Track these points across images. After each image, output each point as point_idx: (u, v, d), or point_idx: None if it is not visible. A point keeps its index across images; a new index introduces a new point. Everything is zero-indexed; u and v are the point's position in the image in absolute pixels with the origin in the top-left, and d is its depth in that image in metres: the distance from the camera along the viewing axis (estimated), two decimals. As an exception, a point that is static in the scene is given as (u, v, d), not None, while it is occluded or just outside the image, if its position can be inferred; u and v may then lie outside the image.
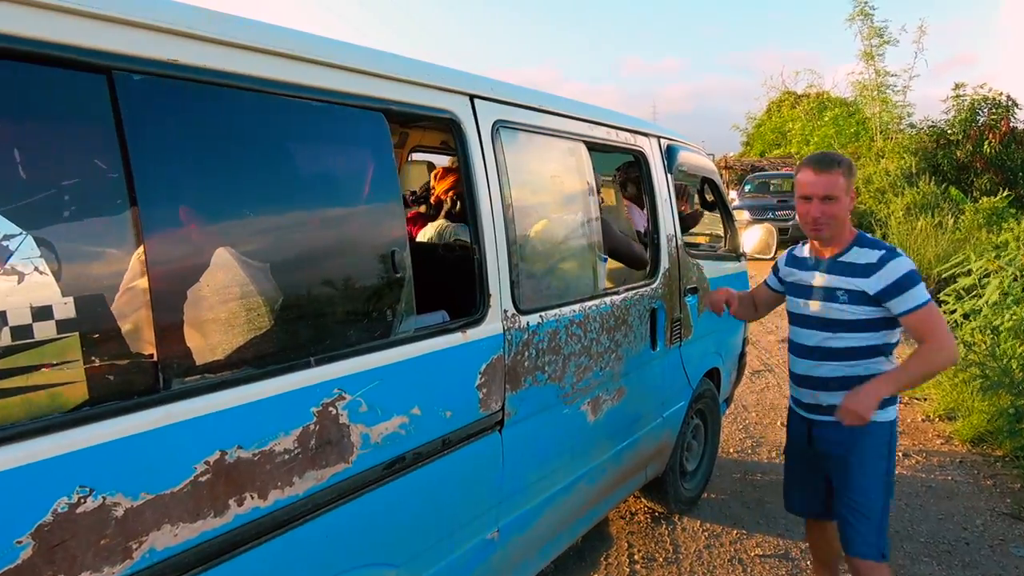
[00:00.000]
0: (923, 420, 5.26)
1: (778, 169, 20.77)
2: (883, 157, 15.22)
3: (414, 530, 1.85)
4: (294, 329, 1.50)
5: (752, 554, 3.36)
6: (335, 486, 1.56)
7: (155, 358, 1.24)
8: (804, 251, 2.49)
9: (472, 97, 2.08)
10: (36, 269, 1.10)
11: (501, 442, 2.13)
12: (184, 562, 1.27)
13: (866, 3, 16.39)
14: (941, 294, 6.04)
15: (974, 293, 5.50)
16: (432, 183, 3.03)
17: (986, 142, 14.80)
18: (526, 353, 2.19)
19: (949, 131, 15.82)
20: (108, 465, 1.16)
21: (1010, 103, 15.44)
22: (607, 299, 2.68)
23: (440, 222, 2.85)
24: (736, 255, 4.18)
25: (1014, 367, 4.61)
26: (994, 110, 15.51)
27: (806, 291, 2.40)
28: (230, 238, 1.38)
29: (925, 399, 5.64)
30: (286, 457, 1.44)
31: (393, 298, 1.74)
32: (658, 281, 3.07)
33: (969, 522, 3.69)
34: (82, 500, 1.12)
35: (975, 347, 5.11)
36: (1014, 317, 4.74)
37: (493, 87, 2.18)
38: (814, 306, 2.36)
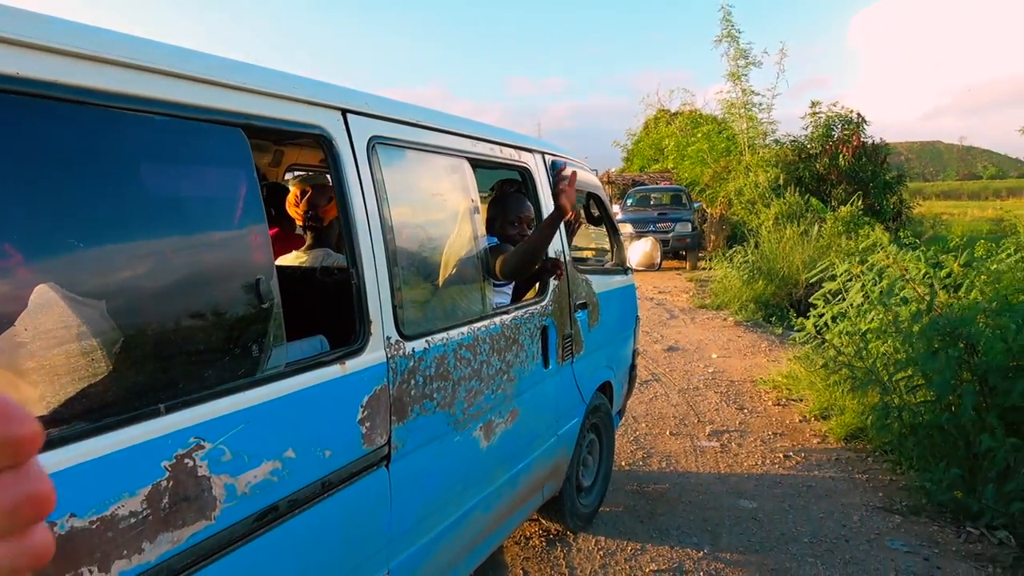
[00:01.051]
0: (800, 420, 5.52)
1: (657, 183, 21.63)
2: (751, 171, 16.16)
3: (292, 585, 1.68)
4: (139, 374, 1.32)
5: (647, 570, 3.35)
6: (195, 547, 1.37)
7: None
8: None
9: (345, 112, 1.95)
10: None
11: (388, 478, 1.99)
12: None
13: (733, 26, 17.39)
14: (811, 299, 6.39)
15: (840, 296, 5.85)
16: (299, 203, 2.83)
17: (840, 155, 16.12)
18: (412, 381, 2.07)
19: (808, 145, 17.08)
20: None
21: (860, 120, 16.91)
22: (497, 319, 2.60)
23: (317, 251, 2.70)
24: (624, 269, 4.22)
25: (879, 366, 4.92)
26: (846, 126, 16.93)
27: None
28: (53, 273, 1.19)
29: (801, 399, 5.94)
30: (132, 521, 1.25)
31: (259, 331, 1.58)
32: (548, 298, 3.03)
33: (847, 519, 3.86)
34: None
35: (844, 349, 5.42)
36: (876, 319, 5.06)
37: (368, 101, 2.06)
38: None
